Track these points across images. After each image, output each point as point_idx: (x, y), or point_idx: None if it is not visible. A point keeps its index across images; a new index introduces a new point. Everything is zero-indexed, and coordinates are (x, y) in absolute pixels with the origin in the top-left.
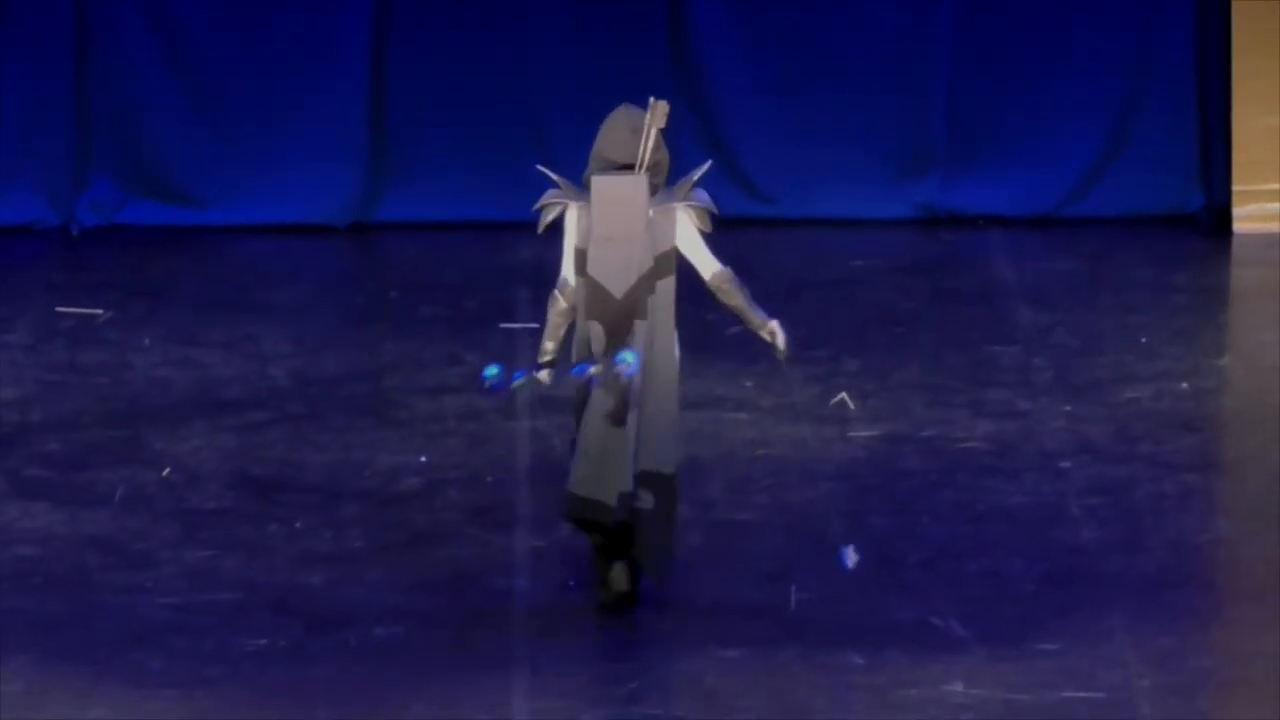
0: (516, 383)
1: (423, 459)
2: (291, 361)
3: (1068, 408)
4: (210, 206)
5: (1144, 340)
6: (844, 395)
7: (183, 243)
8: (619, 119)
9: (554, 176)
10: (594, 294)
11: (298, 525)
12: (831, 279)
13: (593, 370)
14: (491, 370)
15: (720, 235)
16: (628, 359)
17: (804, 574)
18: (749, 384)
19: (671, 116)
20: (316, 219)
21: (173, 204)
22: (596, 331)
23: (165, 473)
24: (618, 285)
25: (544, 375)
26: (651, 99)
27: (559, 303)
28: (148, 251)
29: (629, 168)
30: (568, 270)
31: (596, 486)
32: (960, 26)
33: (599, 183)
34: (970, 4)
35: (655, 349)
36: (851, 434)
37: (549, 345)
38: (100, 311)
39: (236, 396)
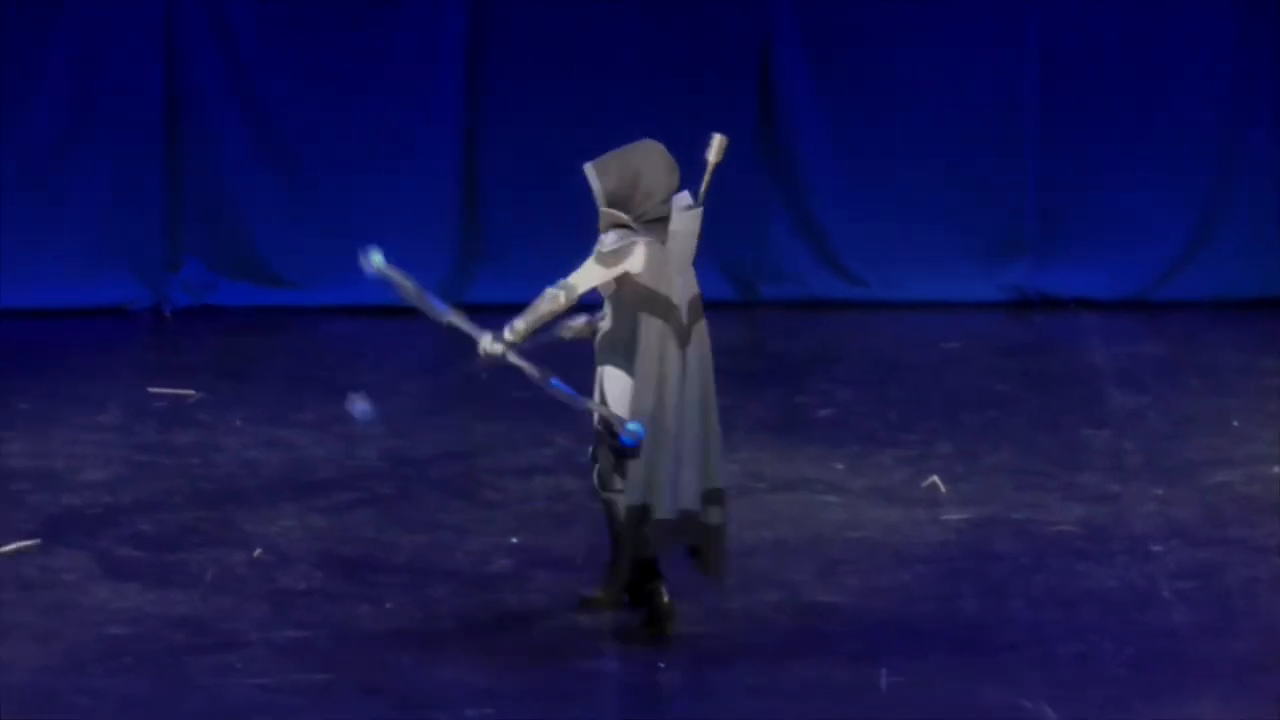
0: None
1: (513, 540)
2: (382, 442)
3: (1159, 491)
4: (301, 287)
5: (1235, 424)
6: (935, 478)
7: (273, 323)
8: (654, 155)
9: None
10: (675, 324)
11: (387, 606)
12: (923, 361)
13: (591, 407)
14: (633, 426)
15: (813, 317)
16: (635, 430)
17: (894, 657)
18: (839, 466)
19: (760, 197)
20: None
21: (264, 284)
22: (673, 358)
23: (255, 553)
24: (692, 315)
25: (499, 349)
26: (714, 135)
27: (559, 300)
28: (239, 332)
29: (663, 202)
30: (582, 282)
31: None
32: (1049, 110)
33: (684, 218)
34: (1059, 88)
35: (705, 372)
36: (942, 517)
37: (521, 327)
38: (192, 392)
39: (327, 477)
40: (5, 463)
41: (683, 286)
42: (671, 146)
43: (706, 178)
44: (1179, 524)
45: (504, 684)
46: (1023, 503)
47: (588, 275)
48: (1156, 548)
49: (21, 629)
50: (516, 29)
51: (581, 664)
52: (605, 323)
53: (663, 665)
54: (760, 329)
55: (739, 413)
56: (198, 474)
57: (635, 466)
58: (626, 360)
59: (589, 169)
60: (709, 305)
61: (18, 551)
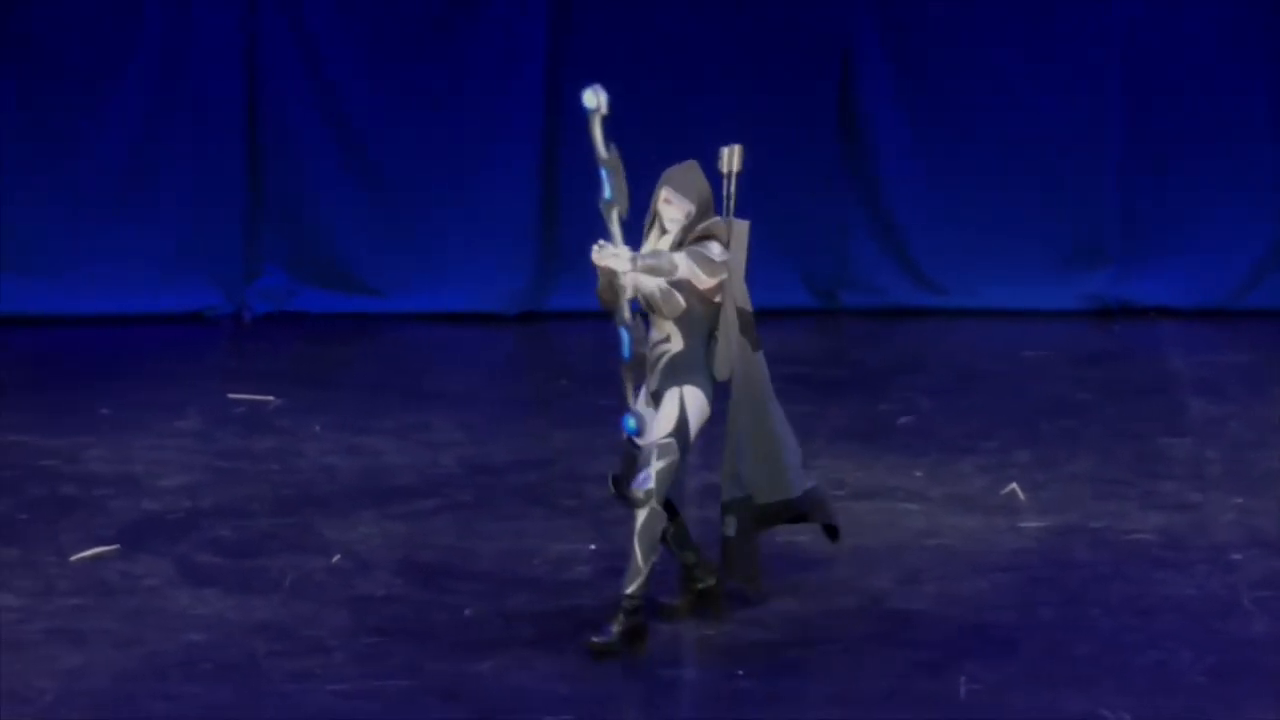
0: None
1: (592, 547)
2: (462, 449)
3: (1239, 500)
4: (381, 294)
5: None
6: (1014, 486)
7: (353, 330)
8: (700, 173)
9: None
10: (750, 333)
11: (467, 613)
12: (1003, 370)
13: (625, 372)
14: (630, 422)
15: (893, 325)
16: (633, 424)
17: (973, 665)
18: (919, 474)
19: (840, 205)
20: (487, 307)
21: (343, 291)
22: (753, 359)
23: (335, 559)
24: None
25: (624, 266)
26: (724, 147)
27: (675, 266)
28: (318, 338)
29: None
30: (687, 271)
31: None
32: (1131, 118)
33: (742, 230)
34: (1141, 96)
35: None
36: (1022, 525)
37: (643, 264)
38: (271, 398)
39: (406, 484)
40: (86, 468)
41: (744, 297)
42: (753, 155)
43: (731, 189)
44: (1259, 533)
45: (582, 691)
46: (1102, 511)
47: (691, 268)
48: (1236, 556)
49: (102, 635)
50: (596, 38)
51: (660, 671)
52: (673, 344)
53: (741, 673)
54: (841, 337)
55: (819, 420)
56: (277, 480)
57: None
58: (706, 379)
59: (670, 192)
60: (789, 312)
61: (98, 557)
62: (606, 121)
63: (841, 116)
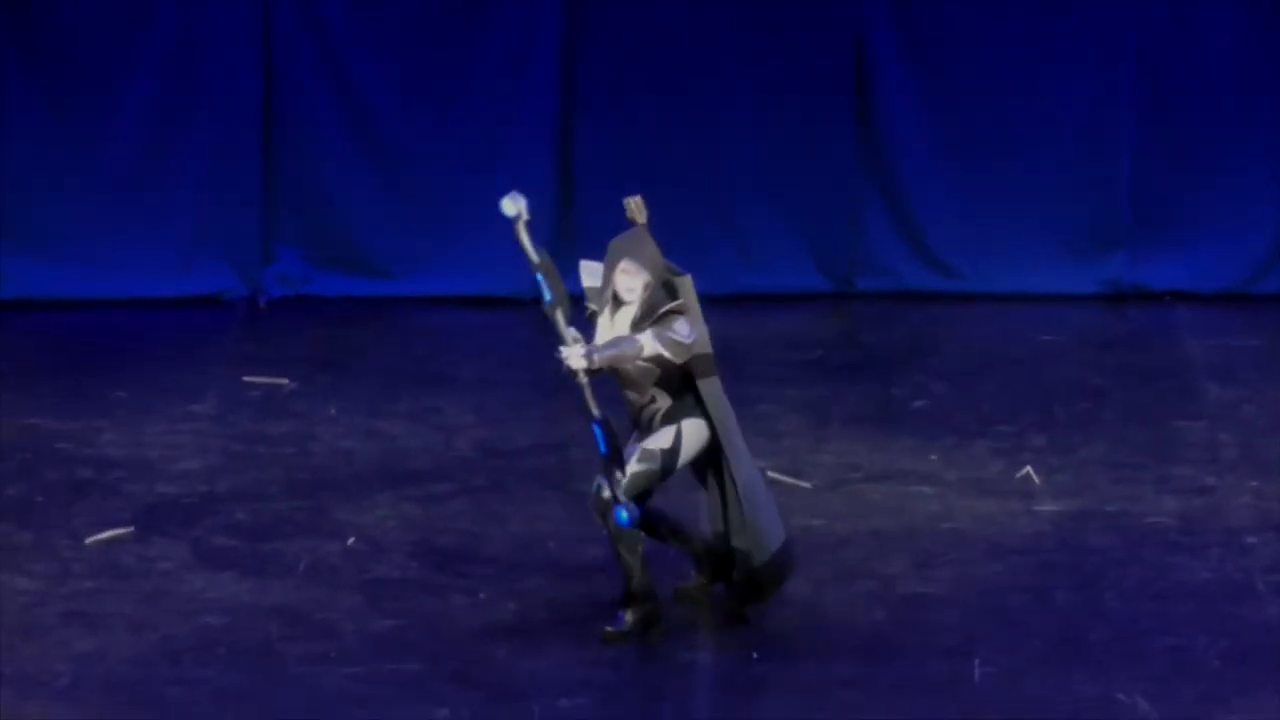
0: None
1: (605, 532)
2: (476, 433)
3: (1254, 484)
4: (396, 278)
5: None
6: (1029, 470)
7: (369, 314)
8: (649, 239)
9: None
10: (705, 364)
11: (481, 596)
12: (1018, 354)
13: (609, 468)
14: (623, 514)
15: (907, 309)
16: (627, 516)
17: (988, 649)
18: (934, 458)
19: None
20: (502, 291)
21: (359, 275)
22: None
23: (350, 543)
24: None
25: (582, 365)
26: (632, 198)
27: (639, 350)
28: (334, 322)
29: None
30: (654, 351)
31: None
32: (1144, 103)
33: (686, 280)
34: (1156, 81)
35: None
36: (1036, 508)
37: (602, 360)
38: (286, 382)
39: (421, 468)
40: (101, 452)
41: (704, 343)
42: (770, 143)
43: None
44: (1274, 517)
45: (598, 675)
46: (1117, 495)
47: (657, 350)
48: (1251, 540)
49: (116, 618)
50: (612, 25)
51: (676, 656)
52: (659, 402)
53: (756, 657)
54: (855, 321)
55: (834, 404)
56: (293, 464)
57: (765, 514)
58: (699, 414)
59: (629, 263)
60: (802, 296)
61: (113, 540)
62: (530, 226)
63: (856, 100)
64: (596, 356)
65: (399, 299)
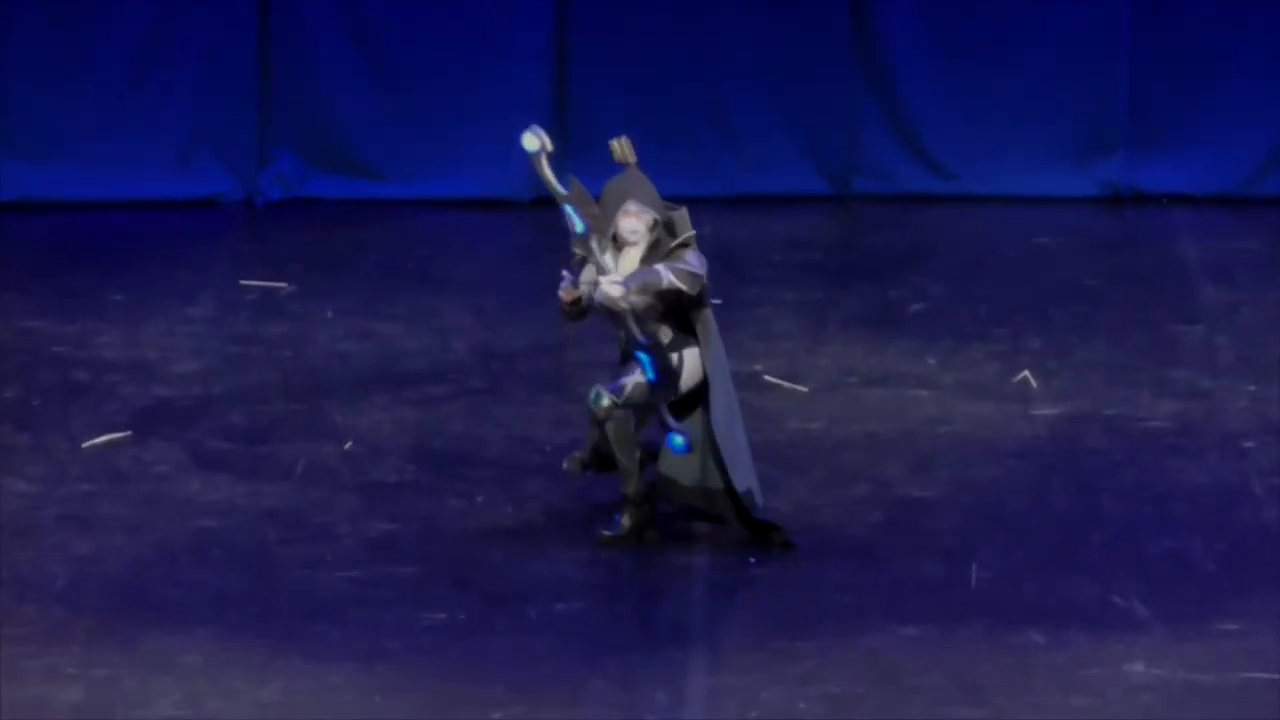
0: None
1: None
2: (473, 335)
3: (1251, 387)
4: (393, 180)
5: None
6: (1026, 373)
7: (365, 216)
8: (647, 179)
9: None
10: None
11: (478, 499)
12: (1014, 257)
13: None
14: (678, 440)
15: (904, 211)
16: (681, 442)
17: (985, 552)
18: (931, 361)
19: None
20: (499, 192)
21: (356, 177)
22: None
23: (346, 446)
24: None
25: (619, 292)
26: (620, 139)
27: (662, 281)
28: (330, 225)
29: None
30: (672, 283)
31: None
32: (1141, 2)
33: (682, 212)
34: None
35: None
36: (1034, 412)
37: (637, 287)
38: (283, 285)
39: (418, 370)
40: (98, 354)
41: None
42: (766, 44)
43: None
44: (1272, 421)
45: (594, 577)
46: (1114, 398)
47: (673, 283)
48: (1248, 444)
49: (113, 521)
50: None
51: (673, 558)
52: (660, 337)
53: (752, 560)
54: (852, 223)
55: (831, 307)
56: (289, 366)
57: (741, 452)
58: (695, 345)
59: (634, 204)
60: (800, 199)
61: (110, 443)
62: (553, 158)
63: (853, 2)
64: (632, 284)
65: (395, 201)
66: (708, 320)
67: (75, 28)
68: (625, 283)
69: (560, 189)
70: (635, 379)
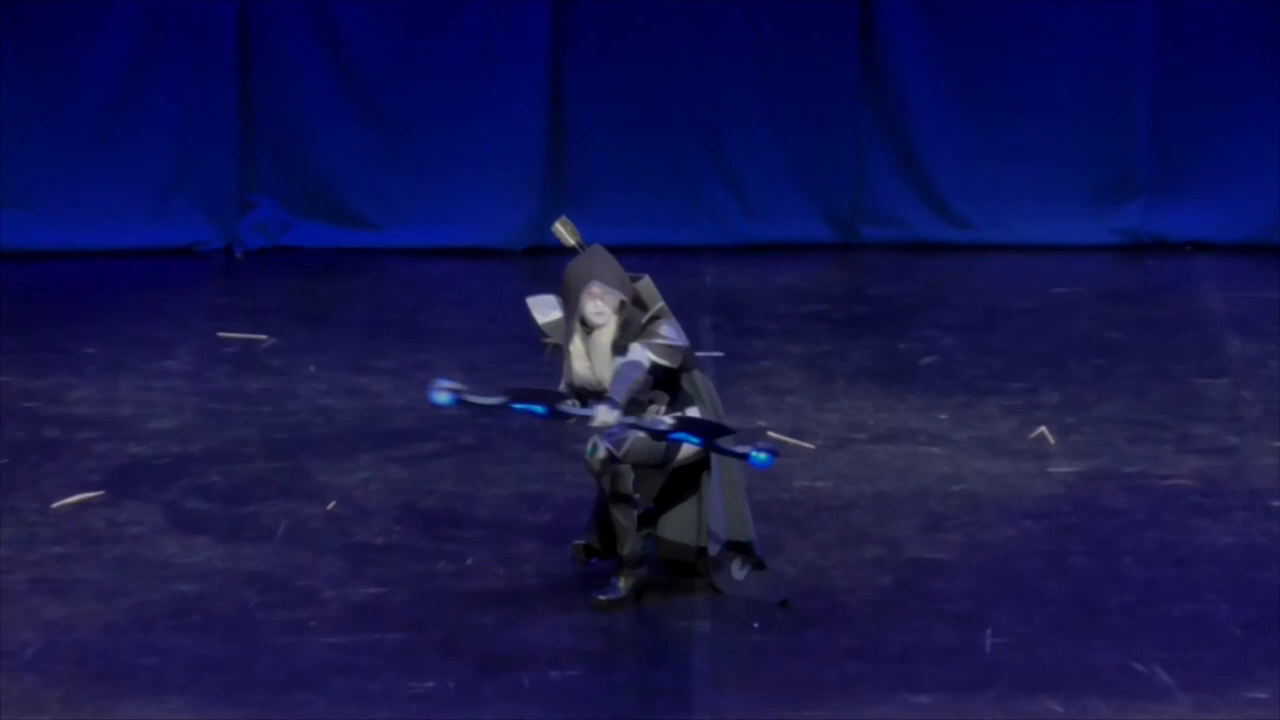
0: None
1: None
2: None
3: (1279, 443)
4: (380, 228)
5: None
6: (1043, 429)
7: (350, 265)
8: (610, 257)
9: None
10: (689, 357)
11: (469, 562)
12: (1030, 307)
13: (724, 447)
14: (760, 455)
15: (914, 260)
16: (764, 456)
17: (1000, 616)
18: (943, 416)
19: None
20: (490, 242)
21: (341, 225)
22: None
23: (330, 506)
24: None
25: (616, 415)
26: (560, 222)
27: (644, 370)
28: (314, 275)
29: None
30: (654, 361)
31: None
32: (1162, 45)
33: (646, 280)
34: (1176, 21)
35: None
36: (1051, 470)
37: (625, 395)
38: (264, 337)
39: (406, 427)
40: (70, 410)
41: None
42: (770, 84)
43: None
44: None
45: (590, 644)
46: (1135, 455)
47: (655, 359)
48: (1277, 503)
49: (86, 585)
50: None
51: (673, 623)
52: (658, 404)
53: (757, 626)
54: (859, 272)
55: (838, 360)
56: (270, 423)
57: (733, 511)
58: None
59: (599, 286)
60: (805, 247)
61: (83, 503)
62: (467, 389)
63: (861, 39)
64: (620, 399)
65: (382, 250)
66: (696, 380)
67: (48, 68)
68: (615, 402)
69: (499, 400)
70: (638, 434)
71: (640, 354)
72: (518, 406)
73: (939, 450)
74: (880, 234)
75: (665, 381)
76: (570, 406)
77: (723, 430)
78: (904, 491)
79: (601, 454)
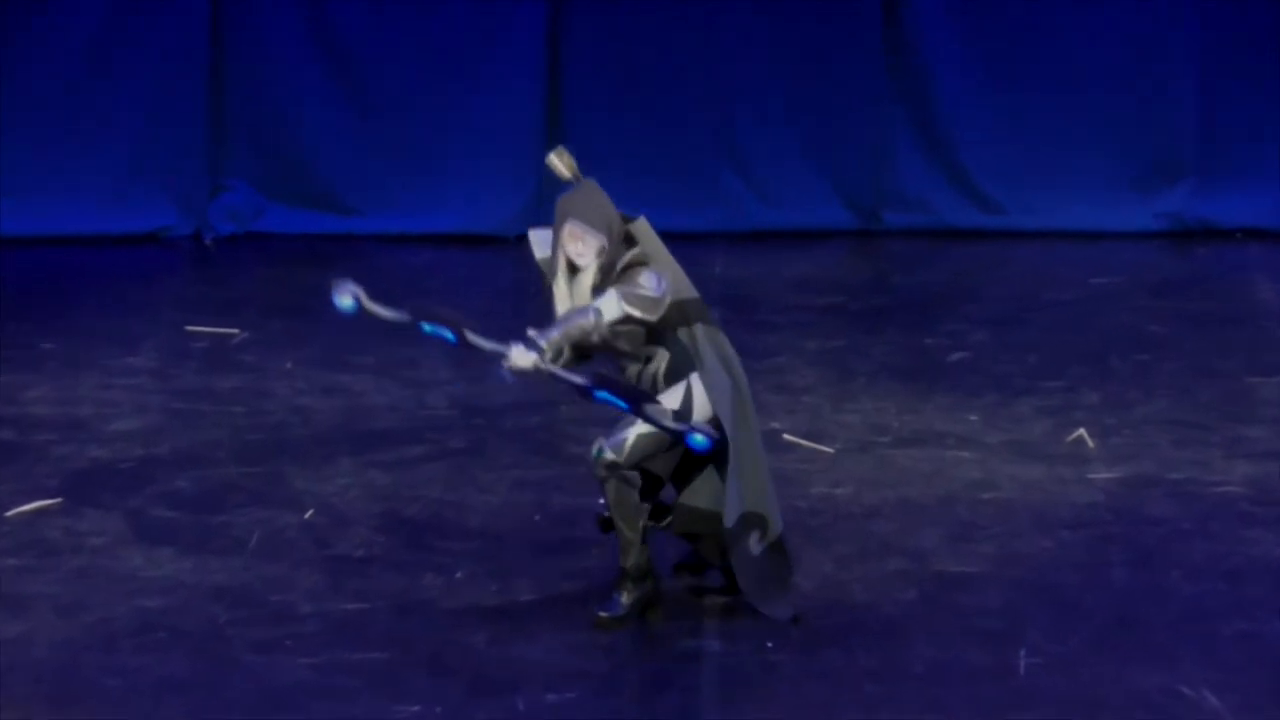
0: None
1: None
2: (452, 389)
3: None
4: (363, 213)
5: None
6: (1082, 432)
7: (331, 253)
8: (600, 195)
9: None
10: (712, 319)
11: (458, 575)
12: (1067, 299)
13: (649, 413)
14: (698, 438)
15: (943, 248)
16: (703, 440)
17: (1034, 634)
18: (973, 418)
19: (882, 111)
20: (483, 228)
21: (320, 210)
22: (733, 353)
23: (307, 515)
24: None
25: (531, 360)
26: (554, 153)
27: (590, 323)
28: (290, 263)
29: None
30: (617, 315)
31: None
32: (1211, 15)
33: (648, 226)
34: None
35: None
36: (1090, 476)
37: (556, 338)
38: (236, 331)
39: (389, 428)
40: (27, 410)
41: (686, 287)
42: (786, 60)
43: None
44: None
45: (591, 664)
46: (1181, 460)
47: (623, 309)
48: None
49: (43, 600)
50: None
51: (679, 643)
52: (658, 360)
53: (770, 645)
54: (883, 262)
55: (860, 357)
56: (243, 424)
57: (748, 484)
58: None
59: (575, 225)
60: (825, 233)
61: (40, 511)
62: (371, 300)
63: (886, 12)
64: (545, 342)
65: (365, 236)
66: (698, 336)
67: (9, 44)
68: (534, 343)
69: (401, 317)
70: (638, 430)
71: (611, 301)
72: (427, 328)
73: (968, 454)
74: (904, 219)
75: (671, 336)
76: (481, 339)
77: (647, 397)
78: (930, 499)
79: (608, 457)
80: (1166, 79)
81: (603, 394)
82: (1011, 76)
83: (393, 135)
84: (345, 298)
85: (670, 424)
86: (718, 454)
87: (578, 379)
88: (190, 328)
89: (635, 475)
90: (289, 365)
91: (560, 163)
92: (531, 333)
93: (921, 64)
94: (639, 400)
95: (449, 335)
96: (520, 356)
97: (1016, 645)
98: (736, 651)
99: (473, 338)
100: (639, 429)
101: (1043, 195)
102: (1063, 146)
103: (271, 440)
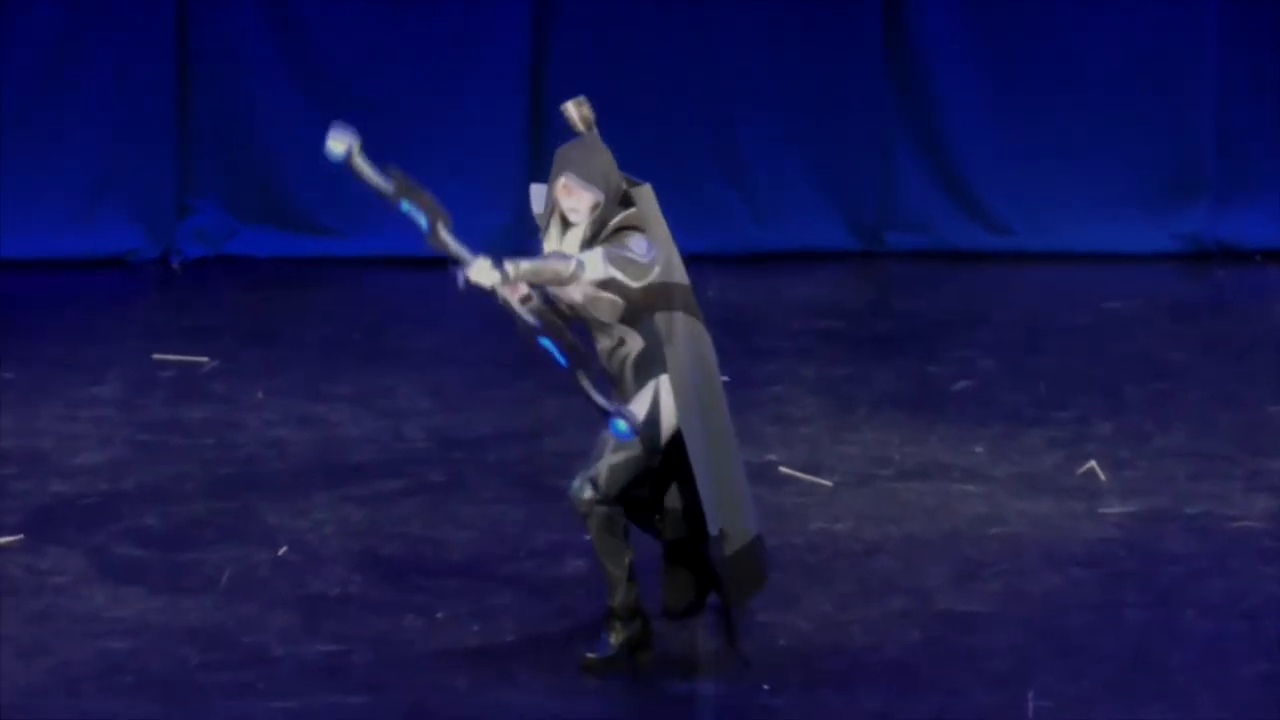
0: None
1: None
2: (432, 420)
3: None
4: (338, 234)
5: None
6: (1093, 464)
7: (304, 277)
8: (601, 151)
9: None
10: (698, 312)
11: (438, 615)
12: (1079, 324)
13: (581, 380)
14: (621, 425)
15: (948, 270)
16: (624, 428)
17: (1044, 676)
18: (979, 449)
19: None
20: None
21: (293, 231)
22: (710, 350)
23: (281, 552)
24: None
25: (495, 278)
26: (572, 102)
27: (568, 269)
28: (262, 287)
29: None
30: (599, 273)
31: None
32: (1230, 32)
33: (650, 195)
34: (1243, 5)
35: None
36: (1102, 510)
37: (524, 268)
38: (205, 359)
39: (366, 461)
40: None
41: (678, 269)
42: (786, 76)
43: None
44: None
45: (579, 710)
46: (1198, 494)
47: (609, 270)
48: None
49: (3, 641)
50: None
51: (672, 685)
52: (630, 345)
53: (767, 688)
54: (886, 285)
55: (860, 386)
56: (213, 457)
57: (722, 488)
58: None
59: (571, 179)
60: (825, 255)
61: None
62: (365, 157)
63: (887, 23)
64: (511, 268)
65: (341, 259)
66: (676, 324)
67: None
68: (500, 264)
69: (386, 186)
70: (610, 460)
71: (596, 258)
72: (404, 206)
73: (974, 488)
74: (908, 241)
75: (646, 320)
76: (451, 237)
77: (585, 364)
78: (934, 535)
79: (588, 494)
80: (1184, 95)
81: (546, 342)
82: (1019, 91)
83: (370, 152)
84: (339, 145)
85: (598, 399)
86: (685, 466)
87: (529, 318)
88: (158, 356)
89: (618, 510)
90: (261, 395)
91: (576, 112)
92: (507, 260)
93: (926, 77)
94: (578, 363)
95: (422, 222)
96: (482, 271)
97: (1025, 688)
98: (732, 694)
99: (444, 233)
100: (610, 459)
101: (1053, 215)
102: (1073, 163)
103: (243, 474)
